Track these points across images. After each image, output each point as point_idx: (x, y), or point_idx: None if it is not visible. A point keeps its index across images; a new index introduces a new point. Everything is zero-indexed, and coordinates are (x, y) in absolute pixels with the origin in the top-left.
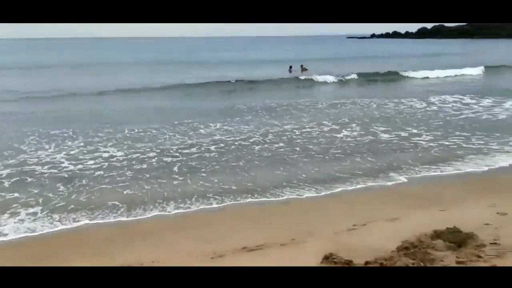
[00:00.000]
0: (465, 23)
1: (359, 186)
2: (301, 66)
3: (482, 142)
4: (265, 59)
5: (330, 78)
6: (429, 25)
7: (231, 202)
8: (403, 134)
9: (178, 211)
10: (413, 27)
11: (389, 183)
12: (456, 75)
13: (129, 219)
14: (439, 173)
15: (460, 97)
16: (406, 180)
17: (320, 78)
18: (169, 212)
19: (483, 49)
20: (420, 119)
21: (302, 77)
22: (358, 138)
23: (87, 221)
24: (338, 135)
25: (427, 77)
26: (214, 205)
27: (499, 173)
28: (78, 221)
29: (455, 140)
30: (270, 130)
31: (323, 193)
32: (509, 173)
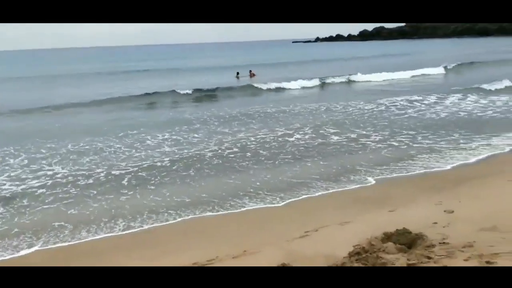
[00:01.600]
0: (403, 24)
1: (314, 192)
2: (250, 71)
3: (431, 142)
4: (210, 66)
5: (279, 84)
6: (370, 27)
7: (188, 217)
8: (352, 135)
9: (130, 230)
10: (355, 29)
11: (342, 187)
12: (415, 76)
13: (72, 243)
14: (392, 174)
15: (408, 97)
16: (358, 183)
17: (270, 85)
18: (119, 232)
19: (428, 48)
20: (372, 121)
21: (251, 83)
22: (309, 142)
23: (33, 248)
24: (291, 139)
25: (385, 80)
26: (170, 221)
27: (449, 171)
28: (20, 246)
29: (403, 140)
30: (222, 139)
31: (277, 201)
32: (456, 170)
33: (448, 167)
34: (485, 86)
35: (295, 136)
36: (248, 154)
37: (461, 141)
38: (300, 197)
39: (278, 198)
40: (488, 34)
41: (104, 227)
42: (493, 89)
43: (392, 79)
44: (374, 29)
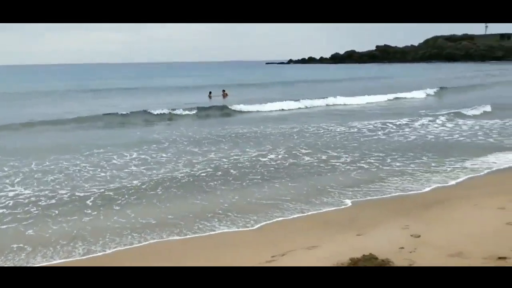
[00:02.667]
0: (374, 48)
1: (285, 214)
2: (223, 91)
3: (402, 164)
4: (182, 85)
5: (251, 106)
6: (341, 51)
7: (154, 240)
8: (323, 157)
9: (90, 255)
10: (327, 52)
11: (314, 209)
12: (396, 98)
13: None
14: (366, 197)
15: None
16: (331, 205)
17: (242, 107)
18: (78, 257)
19: (401, 72)
20: (343, 142)
21: (224, 103)
22: (280, 163)
23: None
24: (263, 159)
25: (368, 102)
26: (135, 245)
27: (421, 194)
28: None
29: (373, 162)
30: (191, 159)
31: (250, 224)
32: (428, 193)
33: (423, 190)
34: (465, 110)
35: (268, 157)
36: (218, 173)
37: (433, 164)
38: (270, 220)
39: (249, 221)
40: (454, 59)
41: (61, 250)
42: (477, 113)
43: (368, 102)
44: (345, 52)
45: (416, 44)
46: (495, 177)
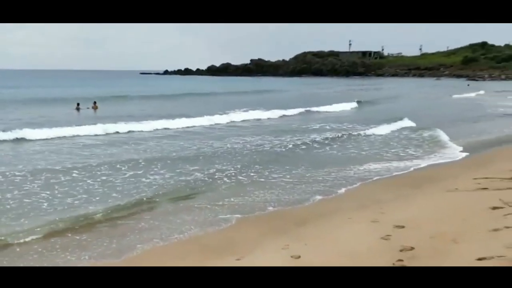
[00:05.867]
0: (249, 62)
1: (160, 237)
2: (94, 103)
3: (280, 175)
4: (41, 97)
5: (125, 125)
6: (217, 63)
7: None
8: (211, 170)
9: None
10: (203, 64)
11: (187, 232)
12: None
13: None
14: (234, 214)
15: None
16: (203, 226)
17: (116, 127)
18: None
19: (286, 86)
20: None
21: (95, 118)
22: (163, 181)
23: None
24: (143, 179)
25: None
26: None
27: (299, 208)
28: None
29: (252, 175)
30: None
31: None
32: (306, 207)
33: (304, 203)
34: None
35: (146, 178)
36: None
37: (308, 174)
38: (142, 244)
39: (113, 248)
40: (322, 74)
41: None
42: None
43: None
44: (221, 65)
45: (287, 59)
46: (368, 188)
